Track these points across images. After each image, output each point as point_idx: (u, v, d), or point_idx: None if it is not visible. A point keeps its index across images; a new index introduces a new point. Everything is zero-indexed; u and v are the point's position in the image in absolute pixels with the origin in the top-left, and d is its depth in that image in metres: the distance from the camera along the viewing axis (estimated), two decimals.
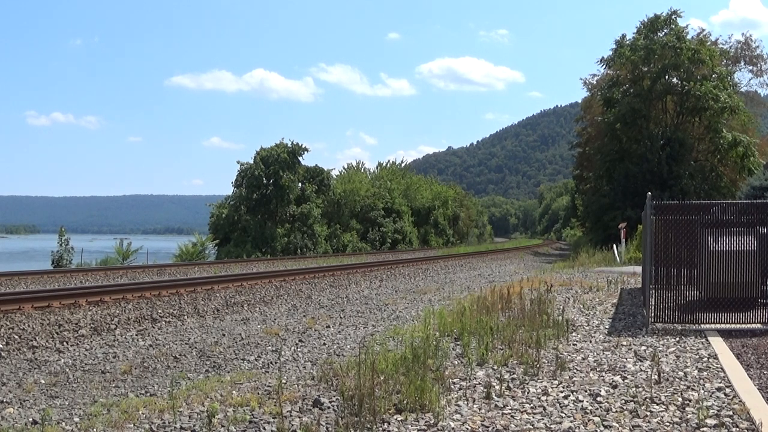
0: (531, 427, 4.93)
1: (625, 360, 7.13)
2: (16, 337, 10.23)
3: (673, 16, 39.04)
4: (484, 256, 41.94)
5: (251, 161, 44.52)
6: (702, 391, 5.73)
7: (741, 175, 35.67)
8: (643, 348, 7.74)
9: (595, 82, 45.88)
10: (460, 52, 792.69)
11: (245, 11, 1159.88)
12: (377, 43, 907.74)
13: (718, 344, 7.90)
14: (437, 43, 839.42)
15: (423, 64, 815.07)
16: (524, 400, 5.59)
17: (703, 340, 8.23)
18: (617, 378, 6.30)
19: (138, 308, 13.16)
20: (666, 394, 5.69)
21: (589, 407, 5.36)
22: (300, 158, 46.30)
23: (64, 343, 10.36)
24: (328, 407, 5.52)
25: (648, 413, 5.18)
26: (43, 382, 8.14)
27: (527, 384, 6.12)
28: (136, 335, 11.27)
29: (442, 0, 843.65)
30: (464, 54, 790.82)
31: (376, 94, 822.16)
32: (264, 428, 5.01)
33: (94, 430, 5.28)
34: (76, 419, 5.94)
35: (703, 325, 8.95)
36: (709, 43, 39.23)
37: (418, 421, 5.06)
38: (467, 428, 4.92)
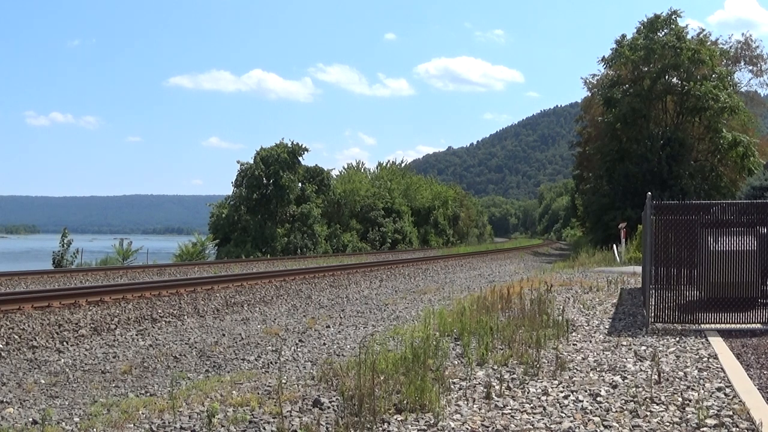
0: (531, 427, 4.93)
1: (625, 360, 7.13)
2: (16, 337, 10.23)
3: (672, 16, 39.06)
4: (484, 256, 41.94)
5: (251, 161, 44.55)
6: (702, 391, 5.73)
7: (741, 175, 35.68)
8: (643, 348, 7.74)
9: (595, 82, 45.90)
10: (456, 52, 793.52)
11: (243, 12, 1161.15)
12: (374, 43, 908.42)
13: (718, 344, 7.90)
14: (434, 44, 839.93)
15: (420, 65, 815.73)
16: (524, 400, 5.59)
17: (703, 340, 8.23)
18: (617, 378, 6.30)
19: (138, 308, 13.16)
20: (666, 394, 5.69)
21: (589, 407, 5.36)
22: (300, 158, 46.34)
23: (64, 343, 10.36)
24: (328, 407, 5.52)
25: (648, 413, 5.18)
26: (43, 382, 8.14)
27: (527, 384, 6.11)
28: (136, 335, 11.27)
29: (437, 0, 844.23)
30: (461, 54, 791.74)
31: (374, 94, 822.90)
32: (264, 428, 5.01)
33: (94, 430, 5.28)
34: (76, 419, 5.94)
35: (703, 325, 8.95)
36: (709, 43, 39.23)
37: (418, 421, 5.06)
38: (467, 428, 4.92)
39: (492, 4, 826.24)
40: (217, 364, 9.04)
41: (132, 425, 5.29)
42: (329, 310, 14.47)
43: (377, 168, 66.23)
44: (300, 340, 10.48)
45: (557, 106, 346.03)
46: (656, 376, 6.19)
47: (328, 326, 11.94)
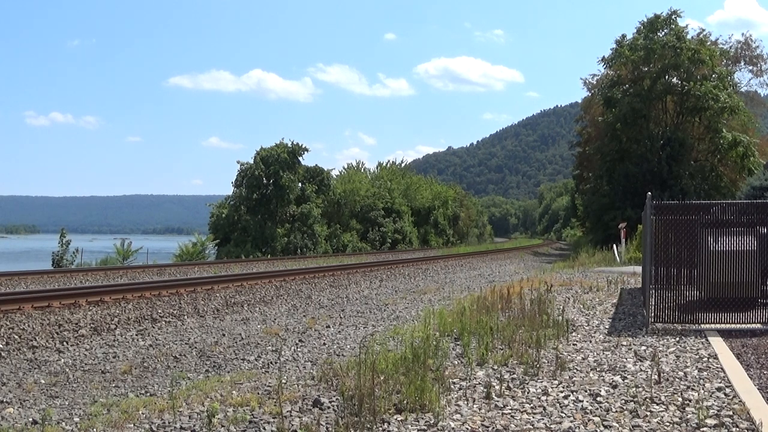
0: (531, 427, 4.93)
1: (625, 360, 7.13)
2: (16, 337, 10.23)
3: (672, 16, 39.06)
4: (484, 256, 41.93)
5: (251, 161, 44.55)
6: (702, 391, 5.73)
7: (741, 175, 35.68)
8: (643, 348, 7.74)
9: (595, 82, 45.91)
10: (456, 52, 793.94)
11: (243, 12, 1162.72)
12: (374, 43, 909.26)
13: (718, 344, 7.90)
14: (434, 44, 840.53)
15: (420, 65, 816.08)
16: (524, 400, 5.59)
17: (703, 340, 8.23)
18: (617, 378, 6.30)
19: (138, 308, 13.16)
20: (666, 394, 5.69)
21: (589, 407, 5.36)
22: (300, 158, 46.34)
23: (64, 343, 10.36)
24: (328, 407, 5.52)
25: (648, 413, 5.18)
26: (43, 382, 8.14)
27: (527, 384, 6.11)
28: (136, 335, 11.27)
29: (437, 0, 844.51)
30: (461, 54, 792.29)
31: (374, 94, 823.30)
32: (264, 428, 5.01)
33: (94, 430, 5.28)
34: (76, 419, 5.94)
35: (703, 325, 8.95)
36: (709, 43, 39.23)
37: (418, 421, 5.06)
38: (467, 428, 4.92)
39: (492, 4, 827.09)
40: (217, 364, 9.04)
41: (132, 425, 5.29)
42: (329, 310, 14.47)
43: (377, 168, 66.26)
44: (300, 340, 10.48)
45: (557, 106, 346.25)
46: (656, 376, 6.19)
47: (328, 326, 11.94)
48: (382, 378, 5.73)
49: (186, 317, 13.19)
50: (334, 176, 53.28)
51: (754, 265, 9.29)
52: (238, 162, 44.81)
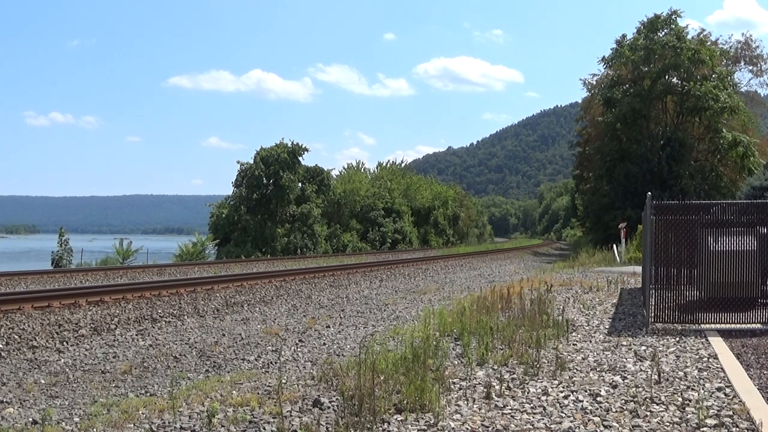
0: (531, 427, 4.93)
1: (625, 360, 7.13)
2: (16, 337, 10.22)
3: (673, 16, 39.05)
4: (484, 256, 41.93)
5: (251, 161, 44.56)
6: (702, 391, 5.73)
7: (741, 175, 35.66)
8: (643, 348, 7.74)
9: (594, 82, 45.90)
10: (456, 52, 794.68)
11: (242, 12, 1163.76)
12: (374, 43, 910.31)
13: (718, 344, 7.90)
14: (433, 44, 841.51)
15: (420, 65, 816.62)
16: (524, 400, 5.59)
17: (703, 340, 8.23)
18: (617, 378, 6.30)
19: (138, 308, 13.16)
20: (666, 394, 5.69)
21: (589, 407, 5.36)
22: (300, 158, 46.35)
23: (64, 343, 10.36)
24: (328, 407, 5.52)
25: (648, 413, 5.18)
26: (43, 382, 8.14)
27: (527, 384, 6.11)
28: (136, 335, 11.27)
29: (437, 0, 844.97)
30: (460, 54, 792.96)
31: (374, 94, 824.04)
32: (264, 428, 5.01)
33: (94, 430, 5.28)
34: (76, 419, 5.94)
35: (703, 325, 8.95)
36: (709, 43, 39.23)
37: (418, 421, 5.06)
38: (467, 428, 4.92)
39: (491, 4, 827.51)
40: (217, 364, 9.04)
41: (132, 425, 5.29)
42: (329, 310, 14.47)
43: (377, 168, 66.25)
44: (300, 340, 10.48)
45: (557, 106, 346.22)
46: (656, 376, 6.19)
47: (328, 326, 11.94)
48: (382, 378, 5.73)
49: (186, 317, 13.19)
50: (334, 176, 53.33)
51: (754, 265, 9.29)
52: (238, 162, 44.91)
